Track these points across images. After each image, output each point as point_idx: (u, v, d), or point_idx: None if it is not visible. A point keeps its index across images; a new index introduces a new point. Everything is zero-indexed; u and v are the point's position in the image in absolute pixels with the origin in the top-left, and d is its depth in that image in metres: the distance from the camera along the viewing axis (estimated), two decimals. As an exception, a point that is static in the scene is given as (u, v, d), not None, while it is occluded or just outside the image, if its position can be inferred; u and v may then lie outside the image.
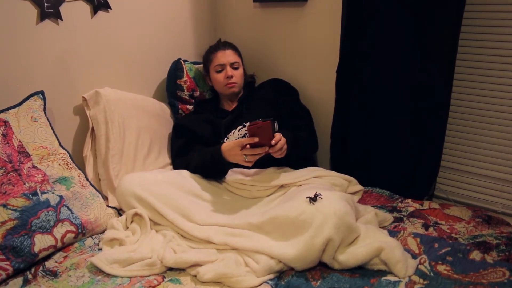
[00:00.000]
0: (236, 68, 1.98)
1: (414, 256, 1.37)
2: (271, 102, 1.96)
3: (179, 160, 1.89)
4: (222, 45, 2.02)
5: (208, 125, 1.93)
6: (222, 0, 2.32)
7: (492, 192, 1.85)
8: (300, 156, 1.86)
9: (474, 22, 1.73)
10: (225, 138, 1.90)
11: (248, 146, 1.59)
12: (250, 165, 1.64)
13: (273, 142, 1.59)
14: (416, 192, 1.82)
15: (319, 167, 1.88)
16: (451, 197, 1.94)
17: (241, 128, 1.89)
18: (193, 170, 1.78)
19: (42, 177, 1.49)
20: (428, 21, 1.65)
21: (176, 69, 2.07)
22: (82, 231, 1.51)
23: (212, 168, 1.75)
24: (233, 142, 1.64)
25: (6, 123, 1.52)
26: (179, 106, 2.07)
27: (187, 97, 2.07)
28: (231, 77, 1.94)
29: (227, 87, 1.96)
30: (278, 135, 1.62)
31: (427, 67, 1.69)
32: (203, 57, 2.08)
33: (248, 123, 1.58)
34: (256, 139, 1.55)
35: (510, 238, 1.43)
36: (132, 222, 1.60)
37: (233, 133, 1.90)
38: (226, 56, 1.97)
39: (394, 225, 1.58)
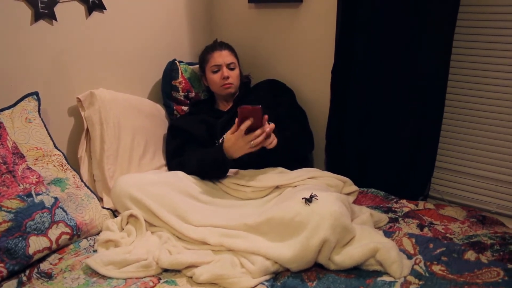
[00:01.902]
0: (232, 69, 1.98)
1: (409, 257, 1.38)
2: (267, 103, 1.95)
3: (174, 161, 1.89)
4: (219, 45, 2.02)
5: (203, 126, 1.93)
6: (217, 1, 2.32)
7: (486, 192, 1.86)
8: (292, 154, 1.87)
9: (468, 23, 1.74)
10: (221, 139, 1.90)
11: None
12: (258, 148, 1.64)
13: (265, 125, 1.63)
14: (411, 192, 1.82)
15: (314, 168, 1.88)
16: (446, 197, 1.94)
17: (237, 129, 1.89)
18: (190, 172, 1.77)
19: (36, 178, 1.48)
20: (423, 23, 1.66)
21: (171, 69, 2.07)
22: (77, 233, 1.50)
23: (213, 169, 1.75)
24: (232, 137, 1.65)
25: (0, 124, 1.51)
26: (174, 107, 2.07)
27: (182, 98, 2.07)
28: (227, 78, 1.94)
29: (223, 88, 1.96)
30: (265, 121, 1.65)
31: (422, 68, 1.70)
32: (199, 57, 2.07)
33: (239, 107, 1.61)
34: (251, 120, 1.59)
35: (505, 238, 1.44)
36: (127, 223, 1.59)
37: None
38: (223, 57, 1.97)
39: (389, 226, 1.58)
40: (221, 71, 1.96)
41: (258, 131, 1.62)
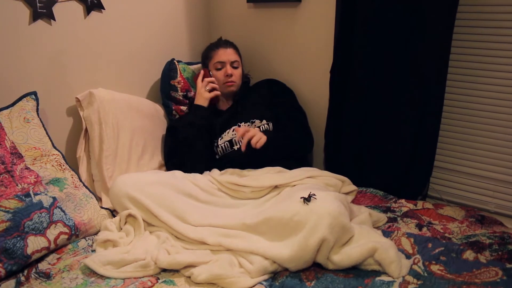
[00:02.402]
0: (235, 68, 1.98)
1: (408, 256, 1.38)
2: (267, 103, 1.96)
3: (172, 162, 1.89)
4: (224, 43, 2.02)
5: (202, 126, 1.93)
6: (216, 0, 2.32)
7: (485, 192, 1.86)
8: (291, 153, 1.89)
9: (467, 22, 1.74)
10: (219, 138, 1.90)
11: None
12: (213, 93, 1.94)
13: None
14: (410, 192, 1.82)
15: (313, 167, 1.88)
16: (445, 197, 1.94)
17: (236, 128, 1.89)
18: (183, 148, 1.85)
19: (35, 178, 1.48)
20: (421, 22, 1.66)
21: (169, 69, 2.06)
22: (75, 233, 1.50)
23: (196, 118, 1.90)
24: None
25: (-2, 124, 1.51)
26: (173, 107, 2.06)
27: (181, 98, 2.06)
28: (231, 75, 1.95)
29: (225, 85, 1.97)
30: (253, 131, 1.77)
31: (421, 67, 1.69)
32: (202, 53, 2.08)
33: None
34: (205, 71, 1.98)
35: (503, 238, 1.44)
36: (125, 223, 1.59)
37: (228, 132, 1.90)
38: (227, 55, 1.97)
39: (388, 225, 1.58)
40: (224, 69, 1.96)
41: (209, 78, 1.95)
